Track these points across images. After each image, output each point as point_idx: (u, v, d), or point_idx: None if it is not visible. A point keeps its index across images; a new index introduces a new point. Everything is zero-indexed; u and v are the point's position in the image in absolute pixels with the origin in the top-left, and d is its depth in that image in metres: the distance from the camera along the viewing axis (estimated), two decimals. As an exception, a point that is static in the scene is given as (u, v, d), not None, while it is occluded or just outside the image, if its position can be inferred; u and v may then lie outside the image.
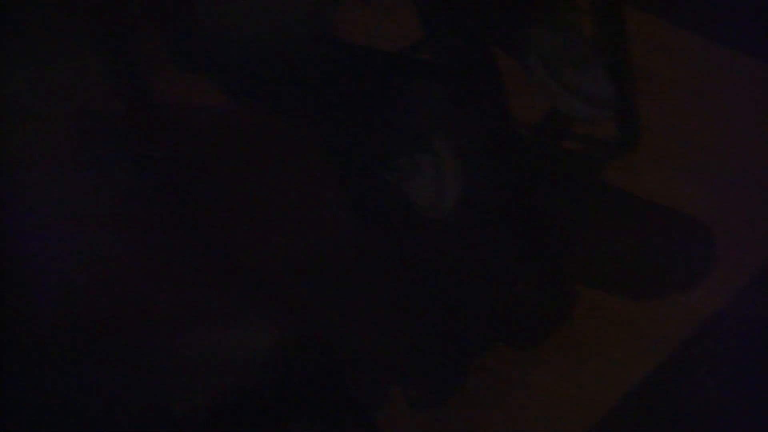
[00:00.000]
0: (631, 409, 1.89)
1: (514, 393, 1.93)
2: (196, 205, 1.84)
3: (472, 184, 1.95)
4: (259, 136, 2.13)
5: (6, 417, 1.37)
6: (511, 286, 2.05)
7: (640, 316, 1.99)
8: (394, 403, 1.93)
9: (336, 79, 1.86)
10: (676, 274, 2.04)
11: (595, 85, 2.06)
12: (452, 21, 1.80)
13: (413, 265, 2.05)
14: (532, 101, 2.06)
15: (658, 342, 1.95)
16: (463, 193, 1.93)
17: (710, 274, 2.02)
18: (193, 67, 1.88)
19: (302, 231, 2.04)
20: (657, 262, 2.06)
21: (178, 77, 1.94)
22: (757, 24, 2.23)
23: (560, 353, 1.96)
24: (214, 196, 2.01)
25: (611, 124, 2.17)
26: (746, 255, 2.03)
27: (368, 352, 1.95)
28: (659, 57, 2.30)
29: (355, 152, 1.99)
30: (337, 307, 1.96)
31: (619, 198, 2.14)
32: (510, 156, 1.94)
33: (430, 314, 2.03)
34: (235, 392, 1.39)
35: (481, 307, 2.04)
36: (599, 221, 2.11)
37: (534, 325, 2.01)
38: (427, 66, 1.96)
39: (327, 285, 1.98)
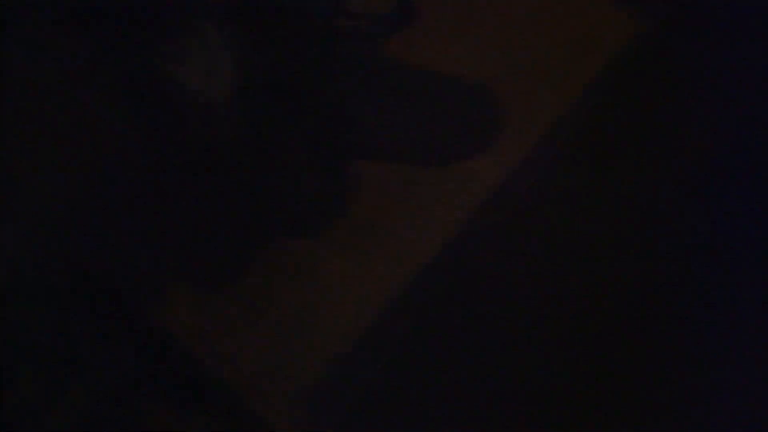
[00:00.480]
0: (424, 283, 1.90)
1: (304, 282, 1.90)
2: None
3: (248, 68, 1.89)
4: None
5: None
6: (292, 174, 1.99)
7: (425, 190, 1.97)
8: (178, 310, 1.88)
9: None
10: (458, 145, 2.03)
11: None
12: None
13: (190, 157, 1.96)
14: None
15: (445, 213, 1.95)
16: (238, 78, 1.87)
17: (493, 142, 2.02)
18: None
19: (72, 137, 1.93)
20: (440, 132, 2.05)
21: None
22: None
23: (347, 236, 1.94)
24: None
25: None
26: (527, 122, 2.02)
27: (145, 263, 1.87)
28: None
29: (122, 39, 1.89)
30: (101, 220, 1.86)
31: (399, 72, 2.11)
32: (285, 38, 1.89)
33: (210, 210, 1.95)
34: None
35: (261, 198, 1.98)
36: (380, 97, 2.08)
37: (317, 212, 1.98)
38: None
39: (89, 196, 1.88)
